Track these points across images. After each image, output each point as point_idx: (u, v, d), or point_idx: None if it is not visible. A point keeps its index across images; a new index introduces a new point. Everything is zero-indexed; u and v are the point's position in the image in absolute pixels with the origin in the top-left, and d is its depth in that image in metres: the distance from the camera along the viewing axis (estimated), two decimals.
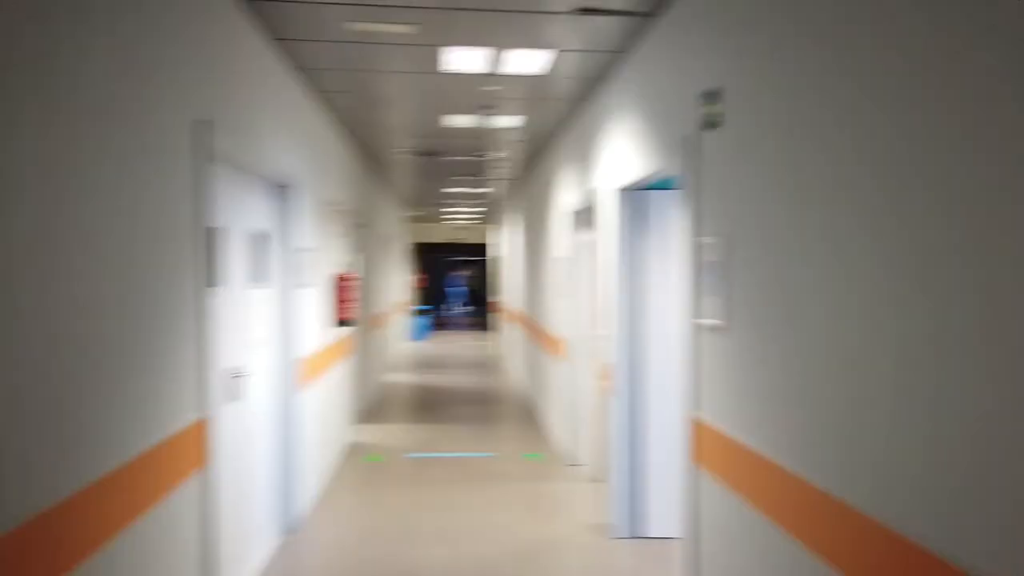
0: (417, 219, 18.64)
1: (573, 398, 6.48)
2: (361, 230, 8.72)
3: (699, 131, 3.16)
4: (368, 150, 8.07)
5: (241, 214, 3.94)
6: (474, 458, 6.69)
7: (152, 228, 2.59)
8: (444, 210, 15.93)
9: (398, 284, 14.01)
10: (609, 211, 4.87)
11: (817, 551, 2.18)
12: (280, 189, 4.70)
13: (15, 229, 1.79)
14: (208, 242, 3.12)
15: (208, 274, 3.12)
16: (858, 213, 1.98)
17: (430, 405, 9.28)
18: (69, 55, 2.03)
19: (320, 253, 5.69)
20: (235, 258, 3.81)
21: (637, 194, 4.68)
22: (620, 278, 4.71)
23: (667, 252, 4.64)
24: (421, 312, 18.36)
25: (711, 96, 2.97)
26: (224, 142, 3.28)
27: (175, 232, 2.82)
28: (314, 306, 5.46)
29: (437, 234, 20.37)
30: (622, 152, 4.64)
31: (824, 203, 2.15)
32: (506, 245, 14.09)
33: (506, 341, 13.73)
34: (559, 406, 7.15)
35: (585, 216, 6.29)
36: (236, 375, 3.78)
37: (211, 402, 3.13)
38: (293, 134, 4.75)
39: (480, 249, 21.23)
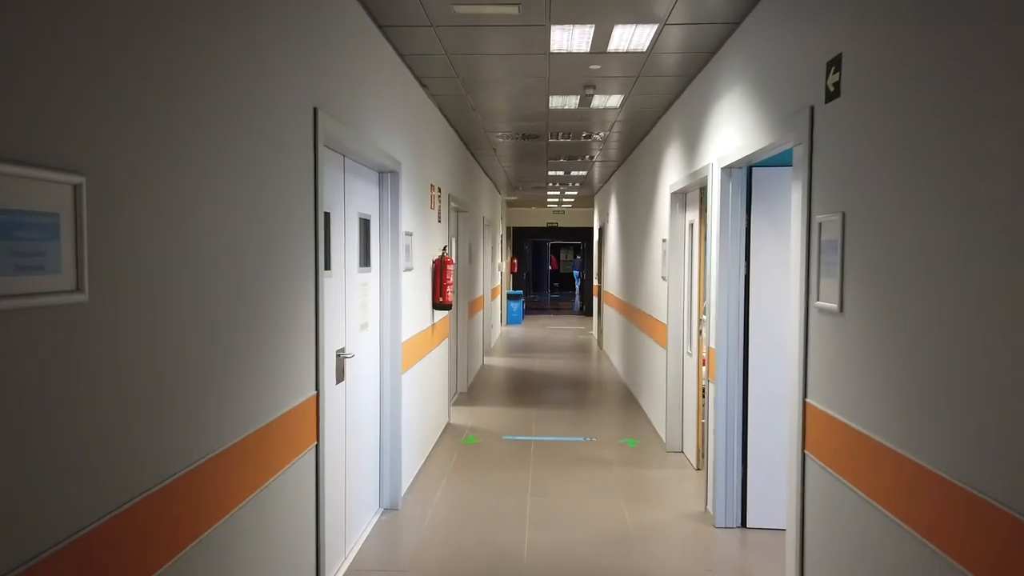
0: (514, 203, 18.71)
1: (674, 383, 6.37)
2: (460, 215, 8.80)
3: (816, 102, 3.02)
4: (468, 135, 8.12)
5: (348, 199, 4.02)
6: (571, 442, 6.68)
7: (274, 213, 2.67)
8: (541, 194, 15.92)
9: (495, 268, 14.11)
10: (716, 190, 4.74)
11: (944, 547, 2.06)
12: (384, 175, 4.79)
13: (176, 220, 1.87)
14: (323, 227, 3.20)
15: (318, 259, 3.20)
16: (992, 200, 1.84)
17: (526, 389, 9.32)
18: (206, 32, 2.10)
19: (420, 238, 5.77)
20: (342, 242, 3.90)
21: (746, 172, 4.53)
22: (725, 260, 4.58)
23: (777, 233, 4.48)
24: (517, 296, 18.45)
25: (830, 65, 2.83)
26: (336, 128, 3.35)
27: (294, 217, 2.90)
28: (415, 289, 5.55)
29: (534, 218, 20.40)
30: (731, 129, 4.50)
31: (952, 183, 2.01)
32: (603, 228, 13.97)
33: (602, 325, 13.64)
34: (659, 391, 7.05)
35: (690, 196, 6.15)
36: (343, 356, 3.88)
37: (324, 380, 3.22)
38: (397, 120, 4.82)
39: (577, 233, 21.14)
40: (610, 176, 12.07)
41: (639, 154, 8.57)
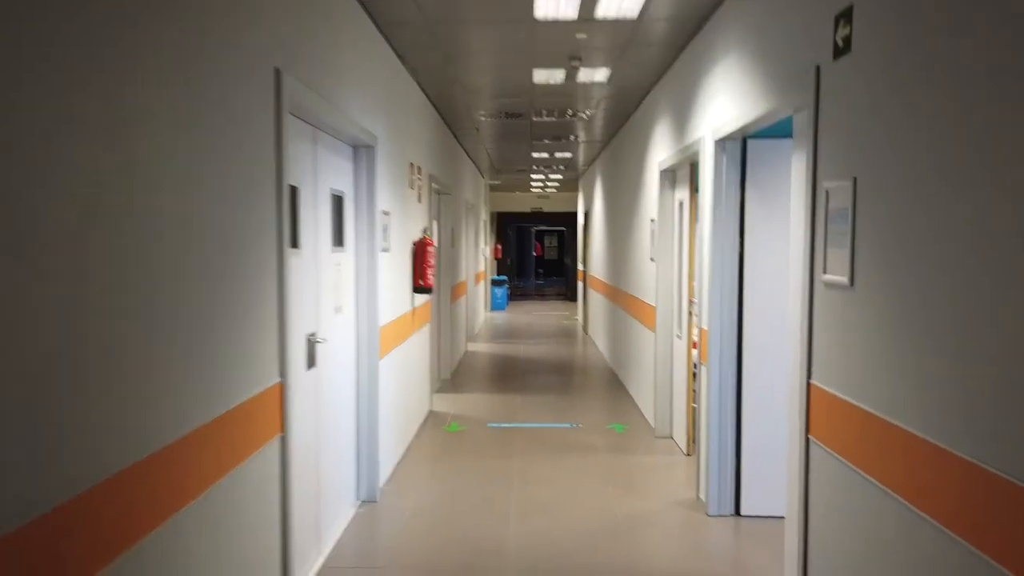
0: (497, 187, 18.45)
1: (663, 367, 6.17)
2: (442, 197, 8.55)
3: (822, 60, 2.80)
4: (450, 114, 7.86)
5: (320, 174, 3.77)
6: (557, 429, 6.48)
7: (233, 183, 2.42)
8: (525, 178, 15.68)
9: (478, 253, 13.87)
10: (709, 164, 4.52)
11: (966, 536, 1.86)
12: (359, 150, 4.53)
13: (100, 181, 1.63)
14: (288, 201, 2.96)
15: (282, 235, 2.96)
16: (1009, 162, 1.63)
17: (511, 375, 9.11)
18: None
19: (399, 218, 5.52)
20: (313, 220, 3.65)
21: (740, 145, 4.31)
22: (718, 236, 4.37)
23: (772, 207, 4.27)
24: (501, 282, 18.22)
25: (839, 18, 2.60)
26: (304, 95, 3.10)
27: (256, 189, 2.66)
28: (393, 272, 5.30)
29: (518, 203, 20.15)
30: (726, 98, 4.28)
31: (970, 147, 1.80)
32: (588, 212, 13.76)
33: (588, 310, 13.45)
34: (647, 375, 6.85)
35: (680, 174, 5.93)
36: (314, 340, 3.63)
37: (291, 367, 2.98)
38: (373, 93, 4.56)
39: (560, 218, 20.93)
40: (595, 158, 11.84)
41: (626, 133, 8.34)
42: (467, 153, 11.16)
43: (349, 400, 4.42)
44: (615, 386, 8.42)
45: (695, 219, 5.60)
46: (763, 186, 4.27)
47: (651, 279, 6.57)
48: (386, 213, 4.98)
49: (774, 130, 4.26)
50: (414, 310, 6.16)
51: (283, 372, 2.93)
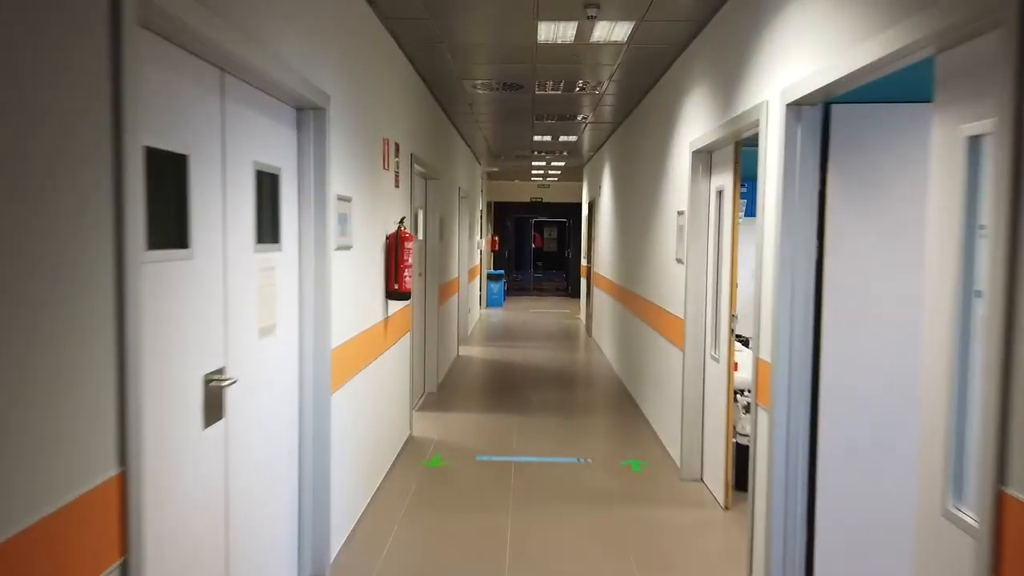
0: (495, 176, 17.26)
1: (692, 394, 5.03)
2: (429, 183, 7.38)
3: None
4: (438, 83, 6.68)
5: (235, 140, 2.61)
6: (561, 464, 5.33)
7: (26, 147, 1.27)
8: (525, 165, 14.50)
9: (473, 247, 12.68)
10: (776, 137, 3.36)
11: None
12: (304, 113, 3.37)
13: None
14: (139, 173, 1.80)
15: (125, 230, 1.80)
16: None
17: (507, 387, 7.96)
18: None
19: (365, 205, 4.36)
20: (220, 206, 2.49)
21: (821, 111, 3.15)
22: (786, 237, 3.21)
23: (871, 198, 3.10)
24: (498, 276, 17.04)
25: None
26: (187, 11, 1.93)
27: (77, 158, 1.51)
28: (356, 274, 4.15)
29: (517, 193, 18.96)
30: (805, 46, 3.12)
31: None
32: (594, 202, 12.59)
33: (592, 310, 12.29)
34: (670, 401, 5.70)
35: (720, 155, 4.76)
36: (218, 383, 2.48)
37: (142, 445, 1.83)
38: (326, 41, 3.40)
39: (561, 209, 19.73)
40: (604, 142, 10.66)
41: (644, 110, 7.16)
42: (461, 135, 9.98)
43: (285, 453, 3.27)
44: (627, 404, 7.27)
45: (739, 211, 4.45)
46: (856, 168, 3.11)
47: (678, 285, 5.41)
48: (345, 199, 3.82)
49: (871, 91, 3.09)
50: (387, 320, 5.01)
51: (125, 456, 1.78)
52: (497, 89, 6.85)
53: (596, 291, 11.64)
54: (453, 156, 9.16)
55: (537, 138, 10.23)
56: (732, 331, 4.48)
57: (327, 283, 3.45)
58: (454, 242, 9.54)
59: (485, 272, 16.69)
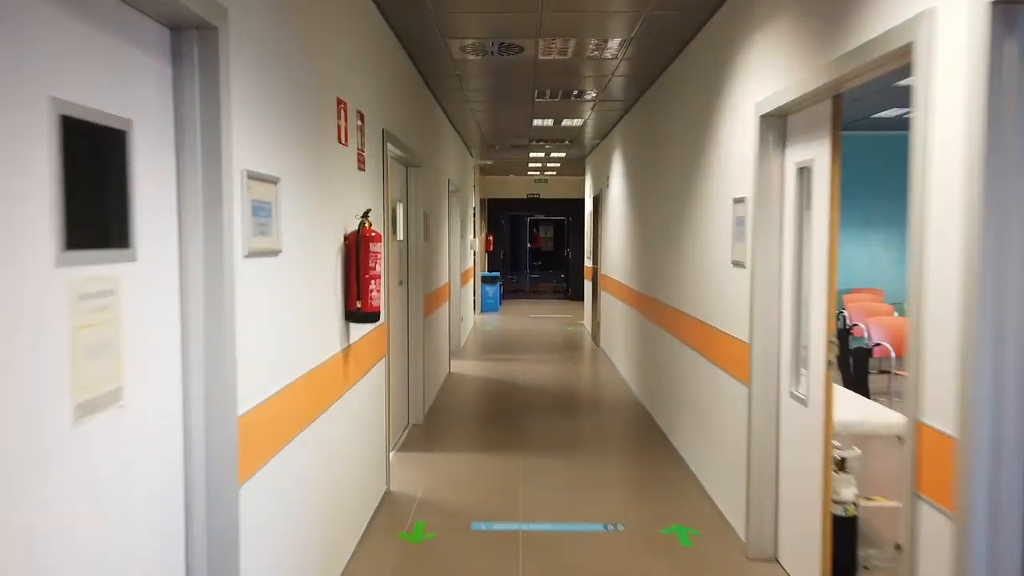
0: (489, 171, 15.95)
1: (763, 444, 3.73)
2: (410, 170, 6.07)
3: None
4: (417, 42, 5.37)
5: (17, 61, 1.30)
6: (584, 534, 4.03)
7: None
8: (522, 157, 13.19)
9: (466, 246, 11.36)
10: (951, 70, 2.06)
11: None
12: (182, 34, 2.05)
13: None
14: None
15: None
16: None
17: (505, 414, 6.64)
18: None
19: (308, 192, 3.05)
20: None
21: None
22: (990, 229, 1.91)
23: None
24: (493, 279, 15.72)
25: None
26: None
27: None
28: (291, 291, 2.82)
29: (512, 188, 17.64)
30: None
31: None
32: (600, 196, 11.29)
33: (599, 317, 10.99)
34: (723, 444, 4.40)
35: (805, 118, 3.44)
36: None
37: None
38: None
39: (560, 205, 18.41)
40: (612, 127, 9.36)
41: (674, 76, 5.86)
42: (450, 120, 8.67)
43: None
44: (654, 438, 5.96)
45: (838, 195, 3.16)
46: None
47: (736, 296, 4.11)
48: (265, 179, 2.50)
49: None
50: (349, 350, 3.69)
51: None
52: (492, 53, 5.54)
53: (605, 296, 10.34)
54: (441, 142, 7.85)
55: (537, 122, 8.93)
56: (830, 363, 3.19)
57: (226, 309, 2.13)
58: (443, 243, 8.22)
59: (479, 275, 15.37)
